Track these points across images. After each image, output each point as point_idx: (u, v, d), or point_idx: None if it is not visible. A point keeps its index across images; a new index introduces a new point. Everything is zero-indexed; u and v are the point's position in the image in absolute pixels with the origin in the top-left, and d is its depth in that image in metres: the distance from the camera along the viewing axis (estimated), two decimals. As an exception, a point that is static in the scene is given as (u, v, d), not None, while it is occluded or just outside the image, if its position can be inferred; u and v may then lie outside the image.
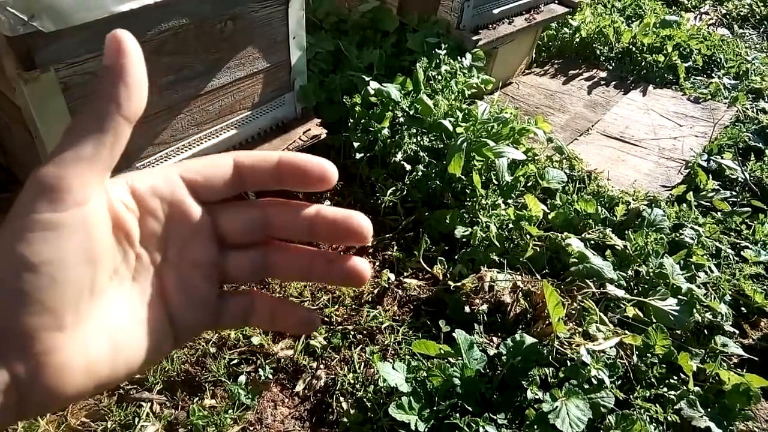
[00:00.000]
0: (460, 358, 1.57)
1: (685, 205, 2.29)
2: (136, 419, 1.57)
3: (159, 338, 0.34)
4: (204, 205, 0.35)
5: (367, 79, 2.27)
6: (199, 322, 0.36)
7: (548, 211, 2.11)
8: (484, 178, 2.17)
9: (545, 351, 1.59)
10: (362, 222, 0.36)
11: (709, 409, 1.56)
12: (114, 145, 0.31)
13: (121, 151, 0.32)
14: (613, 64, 3.46)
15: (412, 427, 1.46)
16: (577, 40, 3.53)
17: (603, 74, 3.40)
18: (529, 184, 2.25)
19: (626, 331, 1.68)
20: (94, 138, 0.30)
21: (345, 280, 0.37)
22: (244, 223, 0.36)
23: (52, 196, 0.29)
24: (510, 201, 2.14)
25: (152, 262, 0.34)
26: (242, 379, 1.66)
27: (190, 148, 1.81)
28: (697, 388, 1.61)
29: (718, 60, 3.59)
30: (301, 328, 0.39)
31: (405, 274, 2.02)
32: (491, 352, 1.63)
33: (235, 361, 1.72)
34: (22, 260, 0.28)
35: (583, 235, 1.99)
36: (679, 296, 1.79)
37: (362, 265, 0.36)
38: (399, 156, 2.20)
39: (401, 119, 2.27)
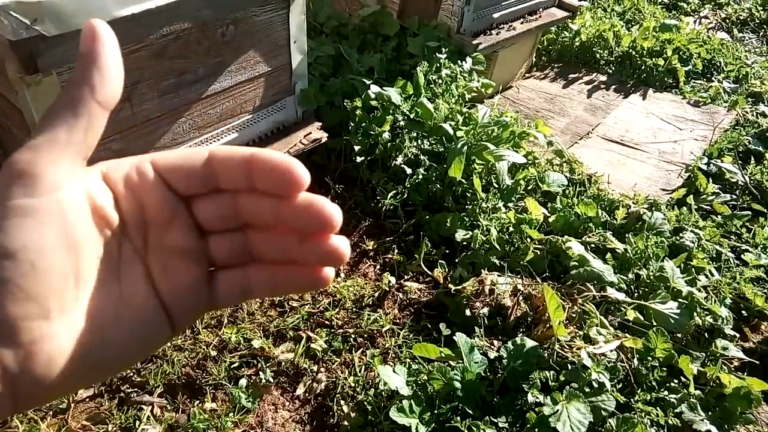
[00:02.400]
0: (460, 361, 1.57)
1: (685, 208, 2.29)
2: (137, 422, 1.57)
3: (152, 325, 0.34)
4: (177, 191, 0.35)
5: (367, 82, 2.28)
6: (193, 306, 0.36)
7: (549, 215, 2.11)
8: (484, 181, 2.17)
9: (546, 354, 1.59)
10: (330, 208, 0.34)
11: (710, 413, 1.56)
12: (88, 131, 0.31)
13: (97, 138, 0.32)
14: (613, 68, 3.47)
15: (413, 430, 1.46)
16: (577, 44, 3.54)
17: (603, 78, 3.40)
18: (529, 188, 2.26)
19: (627, 335, 1.68)
20: (67, 123, 0.30)
21: (323, 259, 0.35)
22: (215, 207, 0.35)
23: (24, 181, 0.29)
24: (510, 204, 2.14)
25: (135, 250, 0.34)
26: (243, 382, 1.66)
27: (191, 152, 1.82)
28: (697, 392, 1.61)
29: (718, 64, 3.60)
30: (310, 286, 0.37)
31: (406, 277, 2.02)
32: (492, 355, 1.64)
33: (235, 365, 1.72)
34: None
35: (583, 239, 2.00)
36: (680, 299, 1.79)
37: (340, 242, 0.35)
38: (399, 159, 2.20)
39: (402, 123, 2.27)
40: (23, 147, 0.29)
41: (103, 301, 0.32)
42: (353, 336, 1.81)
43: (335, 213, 0.34)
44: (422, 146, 2.25)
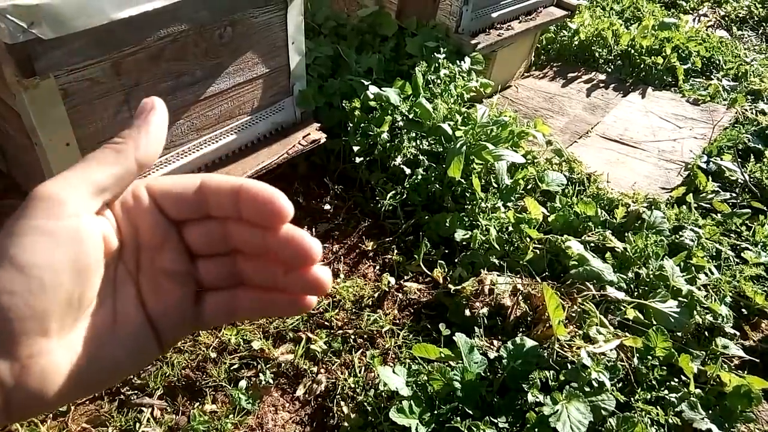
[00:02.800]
0: (460, 361, 1.57)
1: (684, 207, 2.29)
2: (137, 425, 1.57)
3: (142, 344, 0.36)
4: (170, 216, 0.37)
5: (366, 83, 2.28)
6: (180, 325, 0.37)
7: (548, 214, 2.11)
8: (483, 181, 2.17)
9: (546, 354, 1.59)
10: (311, 243, 0.35)
11: (710, 411, 1.56)
12: (120, 180, 0.34)
13: (125, 187, 0.35)
14: (612, 67, 3.47)
15: (413, 431, 1.45)
16: (576, 42, 3.54)
17: (602, 77, 3.40)
18: (528, 187, 2.25)
19: (627, 334, 1.68)
20: (103, 168, 0.33)
21: (306, 288, 0.36)
22: (205, 233, 0.37)
23: (49, 204, 0.31)
24: (510, 204, 2.14)
25: (128, 272, 0.36)
26: (243, 383, 1.66)
27: (189, 154, 1.82)
28: (698, 390, 1.60)
29: (717, 62, 3.60)
30: (293, 311, 0.38)
31: (405, 277, 2.02)
32: (492, 355, 1.63)
33: (235, 366, 1.72)
34: (12, 261, 0.29)
35: (583, 238, 2.00)
36: (680, 298, 1.79)
37: (322, 273, 0.36)
38: (398, 160, 2.20)
39: (400, 123, 2.27)
40: (57, 175, 0.32)
41: (100, 321, 0.34)
42: (353, 337, 1.81)
43: (314, 246, 0.35)
44: (421, 146, 2.25)
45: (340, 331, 1.82)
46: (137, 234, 0.36)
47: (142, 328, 0.36)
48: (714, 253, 2.11)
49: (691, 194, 2.37)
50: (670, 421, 1.53)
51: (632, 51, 3.49)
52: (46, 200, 0.31)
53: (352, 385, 1.67)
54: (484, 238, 1.97)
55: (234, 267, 0.38)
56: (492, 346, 1.69)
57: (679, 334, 1.76)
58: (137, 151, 0.34)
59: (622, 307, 1.78)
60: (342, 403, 1.63)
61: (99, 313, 0.34)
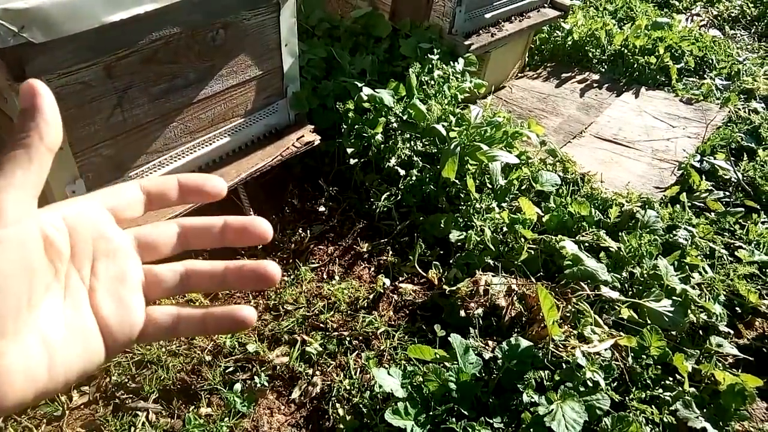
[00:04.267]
0: (455, 362, 1.57)
1: (678, 206, 2.29)
2: (132, 429, 1.56)
3: (92, 348, 0.38)
4: (123, 224, 0.41)
5: (360, 85, 2.28)
6: (128, 333, 0.40)
7: (542, 214, 2.12)
8: (477, 182, 2.18)
9: (540, 354, 1.60)
10: (263, 225, 0.43)
11: (704, 410, 1.56)
12: (39, 172, 0.35)
13: (45, 177, 0.37)
14: (606, 67, 3.48)
15: (409, 432, 1.45)
16: (570, 43, 3.55)
17: (595, 77, 3.41)
18: (522, 188, 2.26)
19: (621, 333, 1.68)
20: (22, 167, 0.34)
21: (256, 282, 0.42)
22: (161, 238, 0.42)
23: None
24: (504, 204, 2.15)
25: (81, 279, 0.38)
26: (238, 386, 1.66)
27: (183, 157, 1.81)
28: (692, 389, 1.61)
29: (710, 61, 3.61)
30: (236, 328, 0.43)
31: (400, 279, 2.02)
32: (487, 355, 1.64)
33: (230, 369, 1.72)
34: None
35: (577, 238, 2.00)
36: (674, 297, 1.79)
37: (272, 267, 0.42)
38: (393, 161, 2.20)
39: (394, 124, 2.27)
40: None
41: (50, 323, 0.35)
42: (348, 338, 1.81)
43: (267, 228, 0.43)
44: (415, 147, 2.25)
45: (336, 333, 1.82)
46: (93, 242, 0.39)
47: (92, 334, 0.38)
48: (708, 252, 2.11)
49: (684, 193, 2.38)
50: (665, 420, 1.53)
51: (625, 51, 3.50)
52: None
53: (348, 387, 1.67)
54: (478, 239, 1.98)
55: (185, 271, 0.43)
56: (487, 347, 1.69)
57: (674, 333, 1.76)
58: (43, 140, 0.35)
59: (616, 307, 1.78)
60: (337, 405, 1.63)
61: (49, 318, 0.35)
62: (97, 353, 0.38)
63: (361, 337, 1.82)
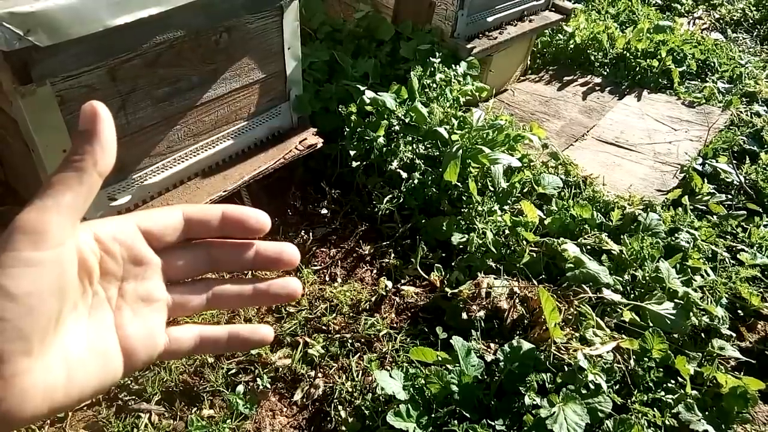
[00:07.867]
0: (457, 364, 1.57)
1: (680, 209, 2.29)
2: (135, 430, 1.57)
3: (110, 368, 0.38)
4: (155, 247, 0.41)
5: (362, 88, 2.29)
6: (149, 353, 0.40)
7: (544, 217, 2.12)
8: (480, 184, 2.18)
9: (542, 356, 1.60)
10: (292, 252, 0.43)
11: (706, 413, 1.56)
12: (87, 197, 0.36)
13: (92, 200, 0.37)
14: (608, 70, 3.48)
15: (410, 434, 1.46)
16: (572, 46, 3.55)
17: (598, 80, 3.41)
18: (524, 191, 2.26)
19: (623, 336, 1.68)
20: (72, 190, 0.35)
21: (284, 299, 0.44)
22: (191, 262, 0.42)
23: (33, 237, 0.33)
24: (506, 207, 2.15)
25: (108, 299, 0.39)
26: (240, 388, 1.66)
27: (186, 159, 1.82)
28: (694, 392, 1.61)
29: (712, 64, 3.61)
30: (257, 345, 0.45)
31: (402, 281, 2.03)
32: (489, 358, 1.64)
33: (233, 371, 1.72)
34: (3, 291, 0.31)
35: (579, 241, 2.00)
36: (676, 300, 1.79)
37: (294, 283, 0.44)
38: (395, 164, 2.21)
39: (397, 127, 2.28)
40: (31, 206, 0.34)
41: (73, 342, 0.36)
42: (350, 341, 1.81)
43: (295, 254, 0.44)
44: (417, 150, 2.26)
45: (338, 336, 1.82)
46: (122, 262, 0.39)
47: (112, 353, 0.38)
48: (710, 255, 2.11)
49: (686, 196, 2.38)
50: (667, 422, 1.53)
51: (627, 54, 3.50)
52: (30, 232, 0.33)
53: (350, 389, 1.67)
54: (480, 242, 1.98)
55: (209, 291, 0.43)
56: (489, 349, 1.69)
57: (676, 335, 1.76)
58: (96, 166, 0.35)
59: (618, 310, 1.79)
60: (339, 407, 1.64)
61: (73, 336, 0.36)
62: (115, 372, 0.38)
63: (363, 340, 1.82)
